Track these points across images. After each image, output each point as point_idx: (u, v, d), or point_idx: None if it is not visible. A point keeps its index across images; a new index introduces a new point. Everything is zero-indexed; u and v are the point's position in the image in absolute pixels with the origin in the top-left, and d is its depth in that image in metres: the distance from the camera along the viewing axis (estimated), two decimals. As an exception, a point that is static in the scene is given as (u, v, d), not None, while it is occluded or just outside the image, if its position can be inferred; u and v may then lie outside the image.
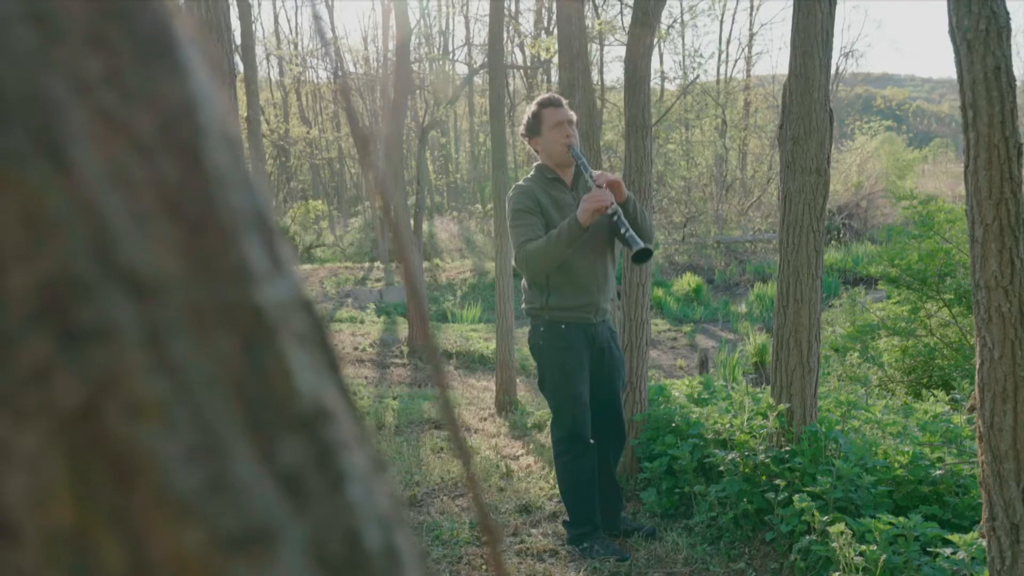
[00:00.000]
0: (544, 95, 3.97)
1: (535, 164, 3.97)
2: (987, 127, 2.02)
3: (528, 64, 26.81)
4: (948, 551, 2.74)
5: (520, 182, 3.90)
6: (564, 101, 3.92)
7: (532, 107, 3.92)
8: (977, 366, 2.18)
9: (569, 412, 3.83)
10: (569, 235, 3.55)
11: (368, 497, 0.29)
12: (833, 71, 31.06)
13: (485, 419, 7.16)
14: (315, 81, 34.05)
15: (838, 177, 28.97)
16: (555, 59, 5.04)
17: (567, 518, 4.04)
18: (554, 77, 25.27)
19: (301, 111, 34.35)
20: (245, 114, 9.18)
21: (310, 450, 0.27)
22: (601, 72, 24.04)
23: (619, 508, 4.16)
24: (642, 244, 3.51)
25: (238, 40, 9.22)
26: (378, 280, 18.53)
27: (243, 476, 0.25)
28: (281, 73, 34.09)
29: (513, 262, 3.85)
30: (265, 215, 0.27)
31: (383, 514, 0.30)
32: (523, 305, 3.95)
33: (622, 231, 3.54)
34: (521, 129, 4.00)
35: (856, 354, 7.95)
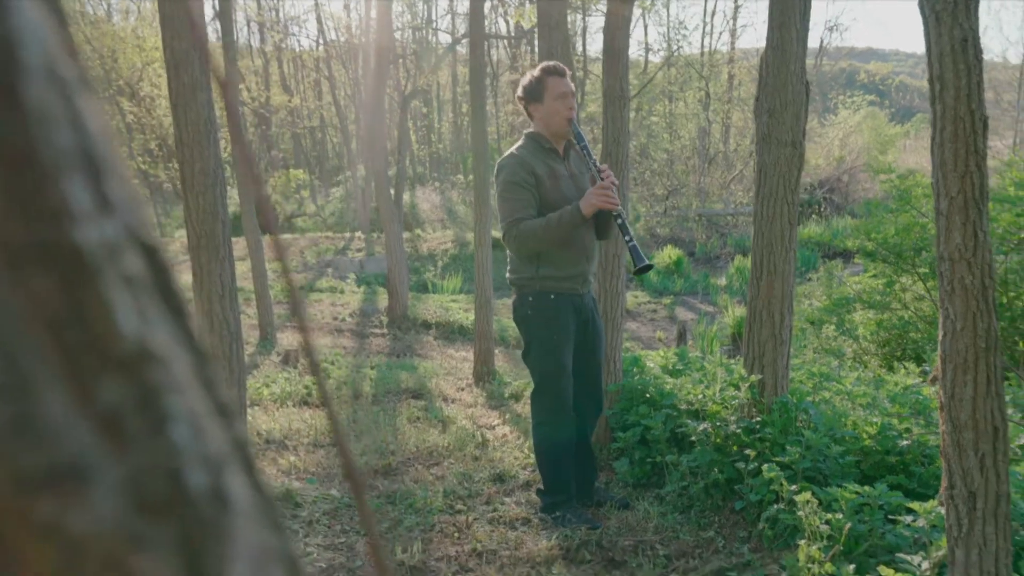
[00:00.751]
0: (549, 62, 3.87)
1: (526, 132, 3.90)
2: (953, 100, 2.03)
3: (512, 34, 26.59)
4: (909, 519, 2.78)
5: (513, 150, 3.82)
6: (568, 72, 3.86)
7: (536, 72, 3.83)
8: (940, 337, 2.20)
9: (554, 382, 3.85)
10: (570, 224, 3.62)
11: (195, 439, 0.29)
12: (817, 45, 31.02)
13: (462, 389, 7.18)
14: (296, 49, 33.63)
15: (820, 151, 29.03)
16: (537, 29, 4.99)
17: (541, 487, 4.07)
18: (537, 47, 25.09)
19: (282, 79, 33.99)
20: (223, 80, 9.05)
21: (131, 392, 0.27)
22: (584, 43, 23.89)
23: (593, 478, 4.19)
24: (647, 261, 3.66)
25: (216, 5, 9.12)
26: (359, 250, 18.47)
27: (53, 415, 0.24)
28: (262, 40, 33.67)
29: (499, 234, 3.79)
30: (95, 155, 0.27)
31: (213, 456, 0.29)
32: (508, 275, 3.92)
33: (626, 239, 3.69)
34: (519, 92, 3.90)
35: (832, 327, 8.01)
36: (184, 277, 4.78)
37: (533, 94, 3.81)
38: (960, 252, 2.08)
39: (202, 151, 3.56)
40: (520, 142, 3.88)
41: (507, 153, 3.83)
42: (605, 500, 4.12)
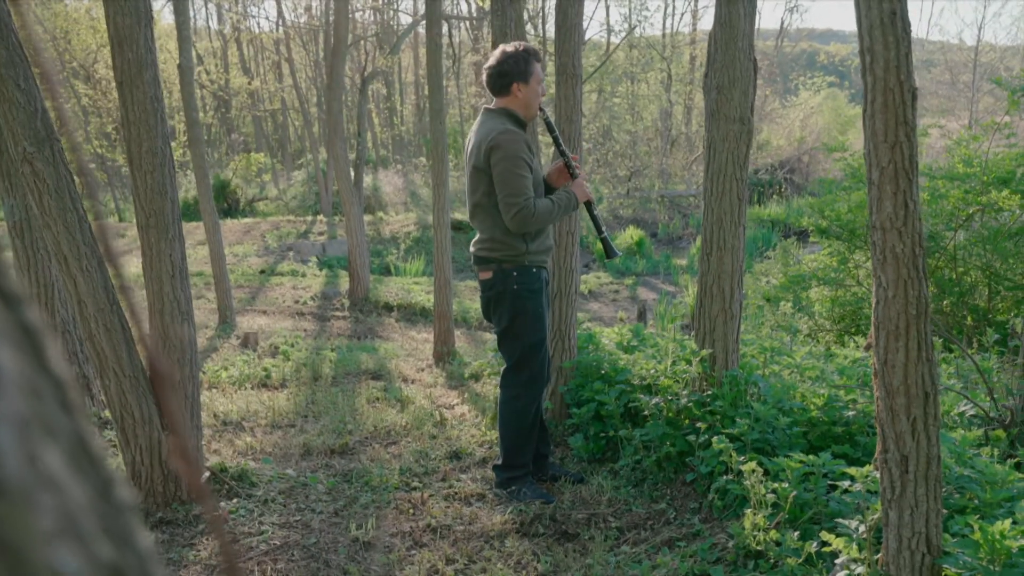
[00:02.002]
0: (531, 45, 3.90)
1: (501, 108, 3.85)
2: (883, 71, 2.07)
3: (474, 15, 26.43)
4: (847, 483, 2.84)
5: (509, 127, 3.77)
6: None
7: (520, 51, 3.81)
8: (873, 305, 2.25)
9: (537, 355, 3.95)
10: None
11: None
12: (777, 26, 31.21)
13: (422, 370, 7.19)
14: (256, 31, 33.19)
15: (781, 132, 29.30)
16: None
17: (498, 462, 4.10)
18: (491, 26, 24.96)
19: (242, 61, 33.54)
20: (178, 62, 8.93)
21: None
22: (544, 24, 23.82)
23: (548, 452, 4.23)
24: (619, 253, 4.17)
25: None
26: (321, 234, 18.34)
27: None
28: (220, 21, 33.18)
29: (510, 211, 3.69)
30: None
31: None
32: (482, 252, 3.89)
33: (601, 232, 4.04)
34: (498, 67, 3.82)
35: (789, 304, 8.12)
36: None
37: (522, 75, 3.81)
38: (891, 221, 2.13)
39: (149, 129, 3.52)
40: (502, 118, 3.82)
41: (504, 128, 3.74)
42: (560, 475, 4.16)
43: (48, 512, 0.28)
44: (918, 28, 79.25)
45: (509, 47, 3.84)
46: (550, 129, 3.96)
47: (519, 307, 3.88)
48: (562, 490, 4.02)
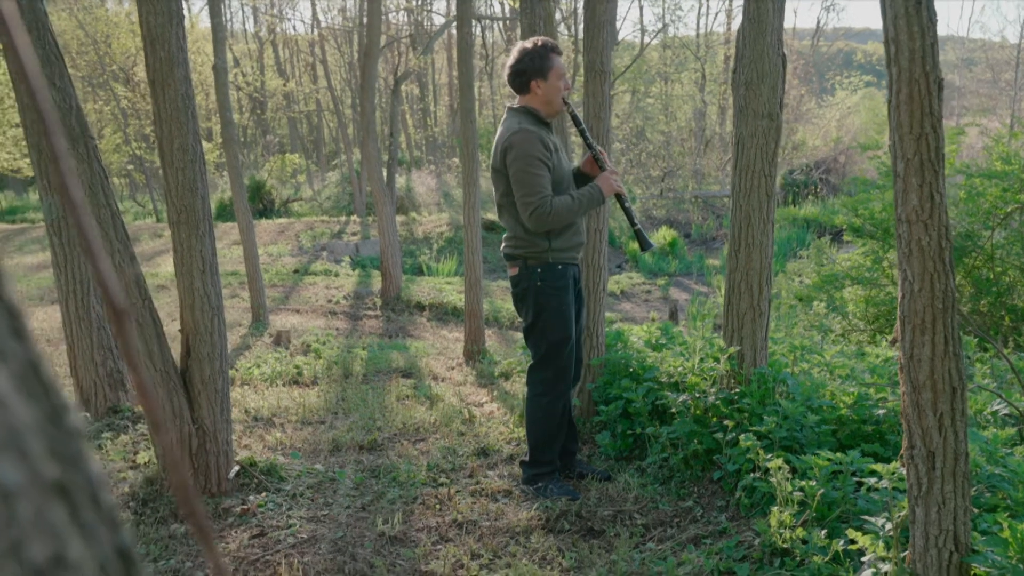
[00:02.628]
0: (548, 39, 3.84)
1: (523, 107, 3.83)
2: (908, 62, 2.04)
3: (507, 15, 26.46)
4: (873, 480, 2.81)
5: (526, 125, 3.75)
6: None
7: (538, 47, 3.78)
8: (899, 299, 2.23)
9: (562, 353, 3.92)
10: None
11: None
12: (813, 25, 30.95)
13: (453, 368, 7.21)
14: (291, 33, 33.52)
15: (817, 132, 28.99)
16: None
17: (525, 458, 4.10)
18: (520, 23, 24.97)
19: (277, 63, 33.88)
20: (212, 63, 9.05)
21: None
22: (576, 24, 23.77)
23: (575, 449, 4.22)
24: (654, 245, 4.03)
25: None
26: (354, 234, 18.46)
27: None
28: (256, 24, 33.55)
29: (527, 211, 3.70)
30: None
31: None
32: (509, 250, 3.91)
33: (635, 224, 3.94)
34: (516, 65, 3.80)
35: (822, 304, 8.03)
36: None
37: (539, 71, 3.78)
38: (917, 214, 2.10)
39: (180, 127, 3.57)
40: (520, 117, 3.81)
41: (518, 128, 3.73)
42: (586, 472, 4.15)
43: (-11, 426, 0.29)
44: (959, 26, 78.23)
45: (528, 43, 3.82)
46: (576, 123, 3.94)
47: (543, 303, 3.87)
48: (588, 487, 4.01)
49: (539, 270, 3.84)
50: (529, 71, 3.79)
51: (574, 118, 3.93)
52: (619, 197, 3.96)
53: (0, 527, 0.28)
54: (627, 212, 3.97)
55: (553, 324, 3.89)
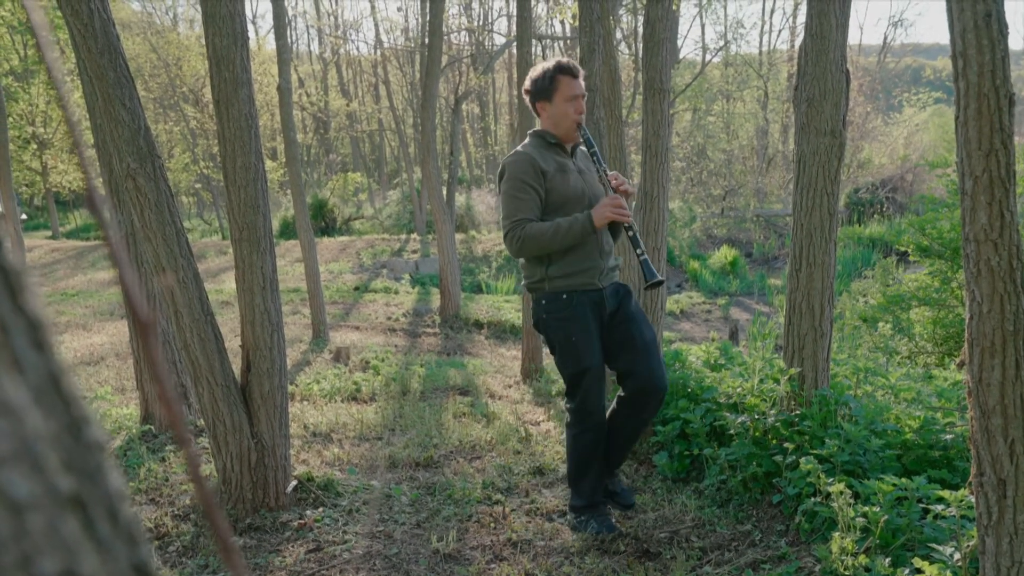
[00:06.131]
0: (563, 59, 3.69)
1: (536, 131, 3.74)
2: (977, 76, 1.98)
3: (568, 36, 26.55)
4: (940, 507, 2.72)
5: (519, 148, 3.68)
6: (582, 72, 3.70)
7: (547, 68, 3.64)
8: (967, 321, 2.16)
9: (579, 387, 3.65)
10: (580, 233, 3.48)
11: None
12: (881, 41, 30.42)
13: (510, 386, 7.21)
14: (354, 53, 34.13)
15: (884, 150, 28.45)
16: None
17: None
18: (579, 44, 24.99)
19: (341, 83, 34.48)
20: (277, 83, 9.26)
21: None
22: (636, 42, 23.74)
23: (616, 464, 3.97)
24: (658, 277, 3.52)
25: (270, 10, 9.33)
26: (414, 252, 18.63)
27: None
28: (321, 45, 34.22)
29: (503, 234, 3.58)
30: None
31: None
32: (523, 282, 3.78)
33: (637, 253, 3.54)
34: (526, 85, 3.72)
35: (888, 325, 7.85)
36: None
37: (543, 92, 3.64)
38: (986, 233, 2.04)
39: (243, 145, 3.65)
40: (530, 139, 3.71)
41: (515, 151, 3.66)
42: (616, 491, 3.97)
43: (2, 437, 0.29)
44: (1032, 41, 75.94)
45: (539, 66, 3.68)
46: (588, 144, 3.69)
47: (551, 336, 3.67)
48: (644, 508, 3.96)
49: (543, 301, 3.63)
50: (533, 93, 3.68)
51: (586, 140, 3.68)
52: (617, 225, 3.67)
53: (9, 540, 0.28)
54: (631, 240, 3.60)
55: (564, 357, 3.64)
